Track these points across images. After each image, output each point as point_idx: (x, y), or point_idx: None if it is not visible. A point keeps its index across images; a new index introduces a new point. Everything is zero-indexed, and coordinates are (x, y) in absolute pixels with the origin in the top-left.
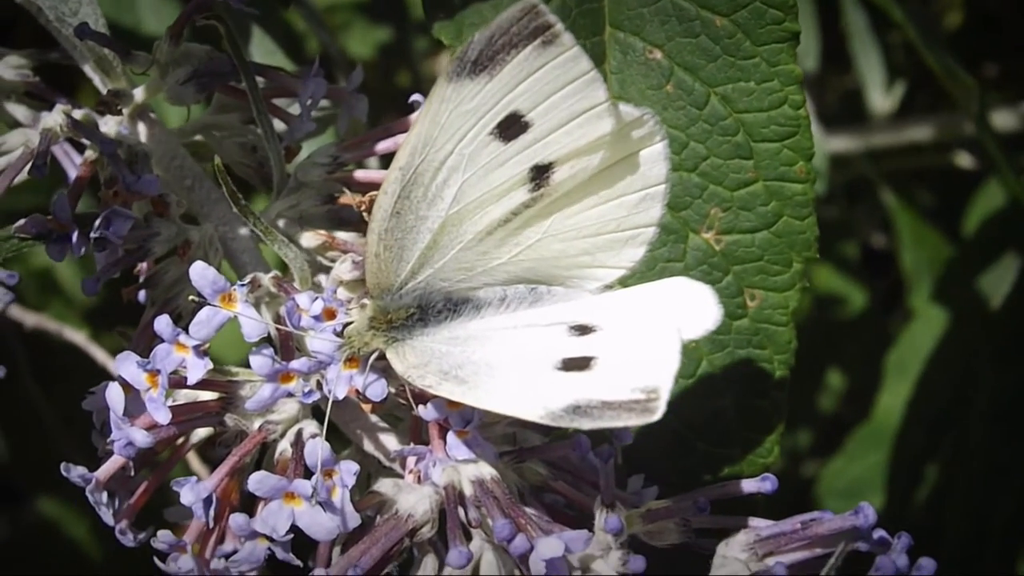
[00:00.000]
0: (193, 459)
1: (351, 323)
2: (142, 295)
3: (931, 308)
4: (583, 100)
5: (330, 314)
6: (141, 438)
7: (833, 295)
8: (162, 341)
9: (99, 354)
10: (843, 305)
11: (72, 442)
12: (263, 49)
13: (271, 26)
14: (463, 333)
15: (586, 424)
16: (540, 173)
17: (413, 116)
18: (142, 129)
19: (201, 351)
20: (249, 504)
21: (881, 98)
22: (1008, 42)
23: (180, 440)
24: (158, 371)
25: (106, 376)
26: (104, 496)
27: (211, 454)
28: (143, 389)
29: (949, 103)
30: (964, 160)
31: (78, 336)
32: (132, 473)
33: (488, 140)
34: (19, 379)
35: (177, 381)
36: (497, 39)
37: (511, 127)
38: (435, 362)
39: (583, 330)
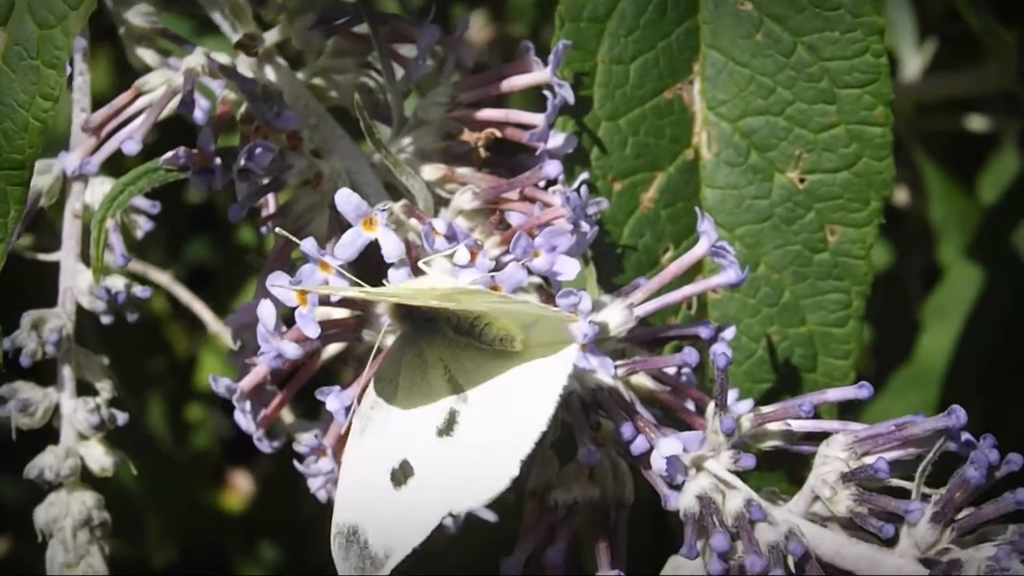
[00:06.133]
0: None
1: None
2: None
3: (964, 261)
4: None
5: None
6: (292, 350)
7: None
8: (305, 262)
9: (182, 293)
10: None
11: None
12: None
13: None
14: None
15: None
16: None
17: (529, 57)
18: (269, 71)
19: (342, 271)
20: None
21: (913, 58)
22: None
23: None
24: (307, 289)
25: None
26: (248, 405)
27: None
28: (292, 306)
29: (971, 62)
30: (976, 123)
31: (163, 277)
32: (268, 386)
33: None
34: None
35: (320, 299)
36: None
37: None
38: None
39: None
